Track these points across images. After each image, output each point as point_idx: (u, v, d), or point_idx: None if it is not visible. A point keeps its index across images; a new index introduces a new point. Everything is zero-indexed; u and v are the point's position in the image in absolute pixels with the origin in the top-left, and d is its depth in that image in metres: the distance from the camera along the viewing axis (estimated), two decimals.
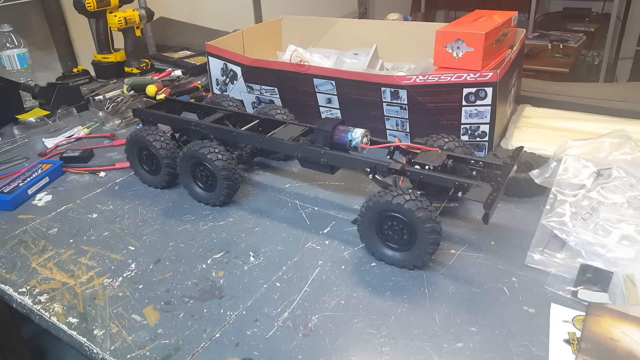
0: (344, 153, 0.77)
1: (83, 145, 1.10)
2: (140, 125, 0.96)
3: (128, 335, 0.59)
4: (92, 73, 1.56)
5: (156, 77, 1.45)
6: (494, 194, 0.63)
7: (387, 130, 0.99)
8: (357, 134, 0.77)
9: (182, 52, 1.75)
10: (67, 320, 0.62)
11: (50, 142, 1.11)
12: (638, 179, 0.72)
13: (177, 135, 0.94)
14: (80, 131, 1.16)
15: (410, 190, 0.64)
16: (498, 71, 0.84)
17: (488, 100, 0.87)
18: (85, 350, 0.59)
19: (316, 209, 0.83)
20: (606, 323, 0.55)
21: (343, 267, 0.69)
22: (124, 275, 0.69)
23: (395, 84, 0.92)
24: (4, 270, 0.72)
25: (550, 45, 2.73)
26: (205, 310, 0.62)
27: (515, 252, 0.69)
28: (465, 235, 0.74)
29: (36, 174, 0.94)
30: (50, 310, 0.64)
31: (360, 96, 0.97)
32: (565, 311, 0.59)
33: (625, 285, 0.59)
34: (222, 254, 0.73)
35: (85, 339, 0.59)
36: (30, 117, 1.21)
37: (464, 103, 0.89)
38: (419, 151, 0.75)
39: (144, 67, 1.54)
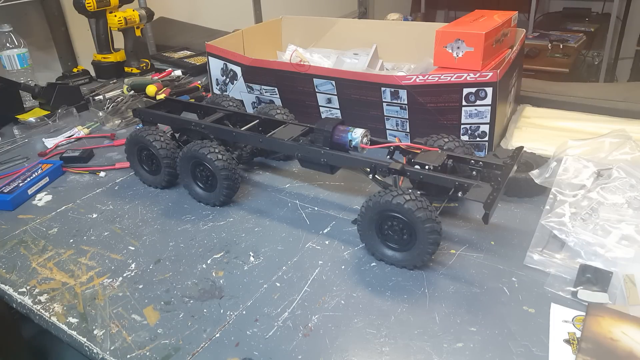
0: (344, 153, 0.77)
1: (83, 145, 1.10)
2: (140, 125, 0.96)
3: (128, 335, 0.59)
4: (92, 73, 1.56)
5: (156, 77, 1.45)
6: (494, 194, 0.63)
7: (387, 130, 0.99)
8: (357, 134, 0.77)
9: (182, 52, 1.75)
10: (67, 320, 0.62)
11: (50, 142, 1.11)
12: (638, 180, 0.72)
13: (177, 135, 0.94)
14: (80, 131, 1.16)
15: (410, 190, 0.64)
16: (498, 71, 0.84)
17: (488, 100, 0.87)
18: (85, 350, 0.59)
19: (316, 209, 0.83)
20: (606, 323, 0.55)
21: (343, 267, 0.69)
22: (124, 275, 0.69)
23: (395, 84, 0.92)
24: (4, 270, 0.72)
25: (550, 45, 2.73)
26: (205, 310, 0.62)
27: (515, 252, 0.69)
28: (465, 235, 0.74)
29: (36, 174, 0.94)
30: (50, 310, 0.64)
31: (360, 96, 0.97)
32: (565, 311, 0.59)
33: (625, 285, 0.59)
34: (222, 254, 0.73)
35: (85, 339, 0.59)
36: (30, 117, 1.21)
37: (464, 103, 0.89)
38: (419, 151, 0.75)
39: (144, 67, 1.54)
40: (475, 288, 0.64)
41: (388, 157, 0.80)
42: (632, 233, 0.65)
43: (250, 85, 1.10)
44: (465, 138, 0.91)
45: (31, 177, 0.93)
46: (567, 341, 0.55)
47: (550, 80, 1.50)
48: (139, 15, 1.51)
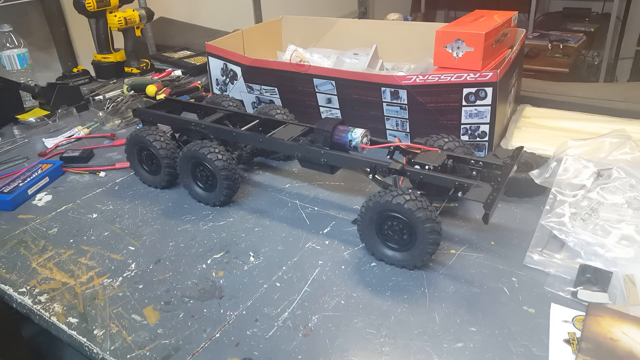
0: (344, 153, 0.77)
1: (83, 145, 1.10)
2: (140, 125, 0.96)
3: (128, 335, 0.59)
4: (92, 73, 1.56)
5: (156, 77, 1.45)
6: (494, 194, 0.63)
7: (387, 130, 0.99)
8: (357, 134, 0.77)
9: (182, 52, 1.75)
10: (67, 320, 0.62)
11: (50, 142, 1.11)
12: (638, 180, 0.72)
13: (177, 135, 0.94)
14: (80, 131, 1.16)
15: (410, 190, 0.64)
16: (498, 71, 0.84)
17: (488, 100, 0.87)
18: (85, 350, 0.59)
19: (316, 209, 0.83)
20: (606, 323, 0.55)
21: (343, 267, 0.69)
22: (124, 275, 0.69)
23: (395, 84, 0.92)
24: (4, 270, 0.72)
25: (550, 45, 2.73)
26: (205, 310, 0.62)
27: (515, 252, 0.69)
28: (465, 235, 0.74)
29: (36, 174, 0.94)
30: (50, 310, 0.64)
31: (360, 96, 0.97)
32: (565, 311, 0.59)
33: (625, 285, 0.59)
34: (222, 254, 0.73)
35: (85, 339, 0.59)
36: (30, 117, 1.21)
37: (464, 103, 0.89)
38: (419, 151, 0.75)
39: (144, 67, 1.54)
40: (475, 288, 0.64)
41: (388, 157, 0.80)
42: (632, 233, 0.65)
43: (250, 85, 1.10)
44: (465, 138, 0.91)
45: (31, 177, 0.93)
46: (567, 341, 0.55)
47: (550, 80, 1.50)
48: (139, 15, 1.51)
